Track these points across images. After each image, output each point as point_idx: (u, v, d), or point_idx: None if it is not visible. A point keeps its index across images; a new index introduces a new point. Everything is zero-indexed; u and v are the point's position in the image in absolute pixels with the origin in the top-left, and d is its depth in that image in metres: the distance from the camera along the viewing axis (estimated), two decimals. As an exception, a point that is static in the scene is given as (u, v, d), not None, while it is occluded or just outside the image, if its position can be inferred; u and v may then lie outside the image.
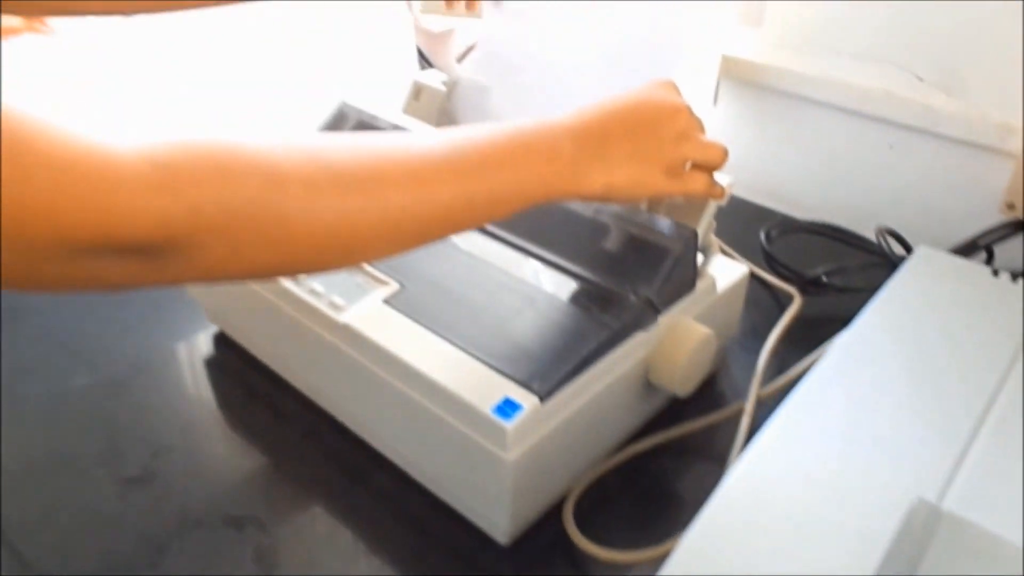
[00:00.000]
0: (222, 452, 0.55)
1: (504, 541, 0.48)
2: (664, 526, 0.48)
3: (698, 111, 0.46)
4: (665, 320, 0.51)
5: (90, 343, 0.64)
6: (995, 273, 0.51)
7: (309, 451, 0.55)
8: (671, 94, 0.46)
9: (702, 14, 0.58)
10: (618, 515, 0.50)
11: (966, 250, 0.68)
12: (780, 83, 0.78)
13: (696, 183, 0.47)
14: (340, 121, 0.68)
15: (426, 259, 0.53)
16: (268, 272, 0.34)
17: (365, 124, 0.67)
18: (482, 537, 0.49)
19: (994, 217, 0.68)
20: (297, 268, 0.35)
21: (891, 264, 0.67)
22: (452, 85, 0.68)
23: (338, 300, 0.51)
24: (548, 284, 0.51)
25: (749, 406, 0.53)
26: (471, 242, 0.55)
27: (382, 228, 0.35)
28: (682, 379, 0.51)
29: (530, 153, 0.40)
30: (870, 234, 0.72)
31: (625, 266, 0.51)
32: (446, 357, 0.47)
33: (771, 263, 0.70)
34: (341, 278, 0.53)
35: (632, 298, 0.49)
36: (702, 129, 0.47)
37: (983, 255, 0.69)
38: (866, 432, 0.40)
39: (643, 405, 0.55)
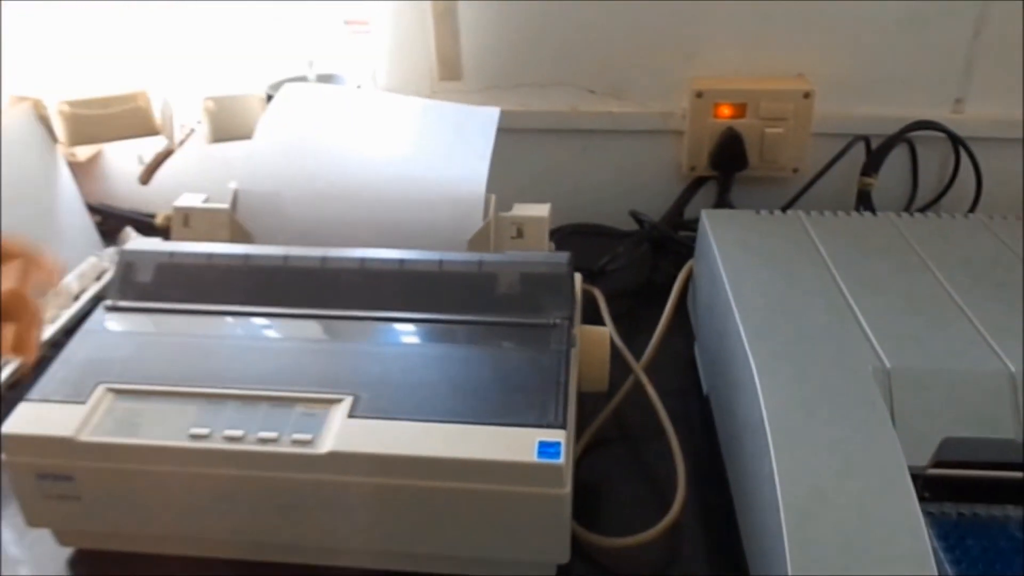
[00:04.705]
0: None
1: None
2: (646, 506, 0.56)
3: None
4: (578, 333, 0.58)
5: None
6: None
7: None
8: None
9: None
10: (605, 509, 0.57)
11: (676, 210, 0.87)
12: (486, 122, 0.89)
13: None
14: (130, 271, 0.60)
15: (365, 365, 0.53)
16: None
17: (165, 265, 0.61)
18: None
19: (684, 181, 0.88)
20: None
21: (642, 237, 0.83)
22: (235, 197, 0.65)
23: (300, 436, 0.48)
24: (486, 342, 0.54)
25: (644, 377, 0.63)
26: (401, 332, 0.55)
27: None
28: (606, 377, 0.59)
29: None
30: (607, 220, 0.87)
31: (532, 300, 0.57)
32: (453, 436, 0.48)
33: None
34: (278, 417, 0.49)
35: (555, 323, 0.56)
36: None
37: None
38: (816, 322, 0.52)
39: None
